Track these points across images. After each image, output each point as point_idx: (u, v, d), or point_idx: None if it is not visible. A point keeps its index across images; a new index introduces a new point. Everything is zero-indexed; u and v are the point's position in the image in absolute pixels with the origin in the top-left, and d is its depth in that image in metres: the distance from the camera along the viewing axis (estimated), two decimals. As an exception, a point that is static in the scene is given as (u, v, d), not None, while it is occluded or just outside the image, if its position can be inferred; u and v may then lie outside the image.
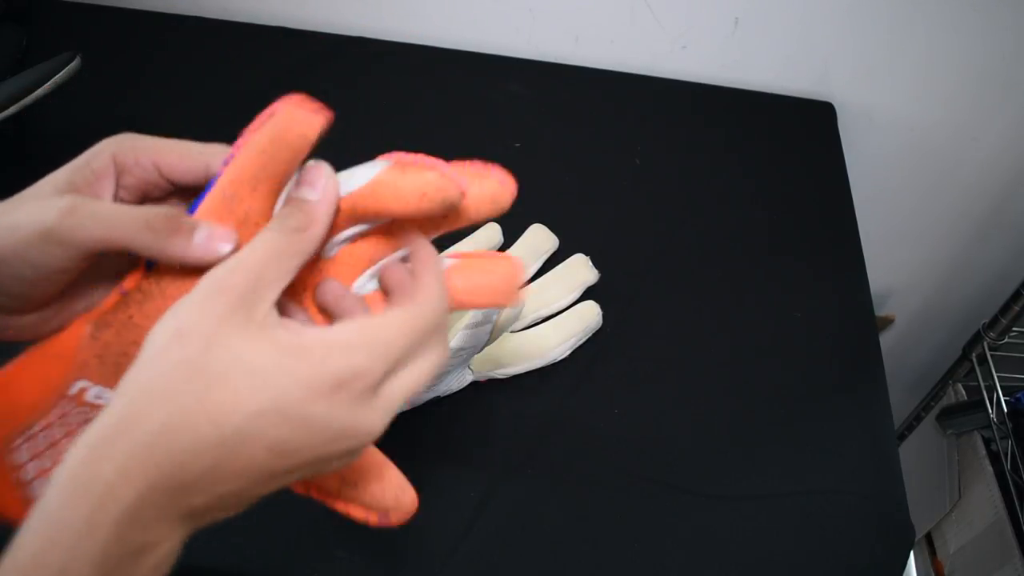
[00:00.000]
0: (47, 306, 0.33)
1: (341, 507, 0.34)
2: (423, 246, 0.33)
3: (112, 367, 0.33)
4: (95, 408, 0.32)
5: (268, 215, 0.32)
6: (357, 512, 0.34)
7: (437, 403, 0.61)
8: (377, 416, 0.28)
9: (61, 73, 0.68)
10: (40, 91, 0.67)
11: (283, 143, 0.30)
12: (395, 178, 0.30)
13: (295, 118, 0.31)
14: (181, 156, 0.32)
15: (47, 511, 0.24)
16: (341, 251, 0.34)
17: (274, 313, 0.27)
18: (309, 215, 0.30)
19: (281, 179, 0.31)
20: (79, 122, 0.78)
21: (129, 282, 0.32)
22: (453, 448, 0.60)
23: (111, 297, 0.32)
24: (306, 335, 0.27)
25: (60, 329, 0.33)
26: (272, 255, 0.28)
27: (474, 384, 0.62)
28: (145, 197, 0.33)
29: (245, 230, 0.31)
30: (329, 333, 0.27)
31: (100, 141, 0.33)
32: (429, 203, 0.30)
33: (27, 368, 0.33)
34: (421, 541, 0.55)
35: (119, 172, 0.32)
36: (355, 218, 0.32)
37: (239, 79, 0.85)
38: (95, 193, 0.32)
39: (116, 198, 0.32)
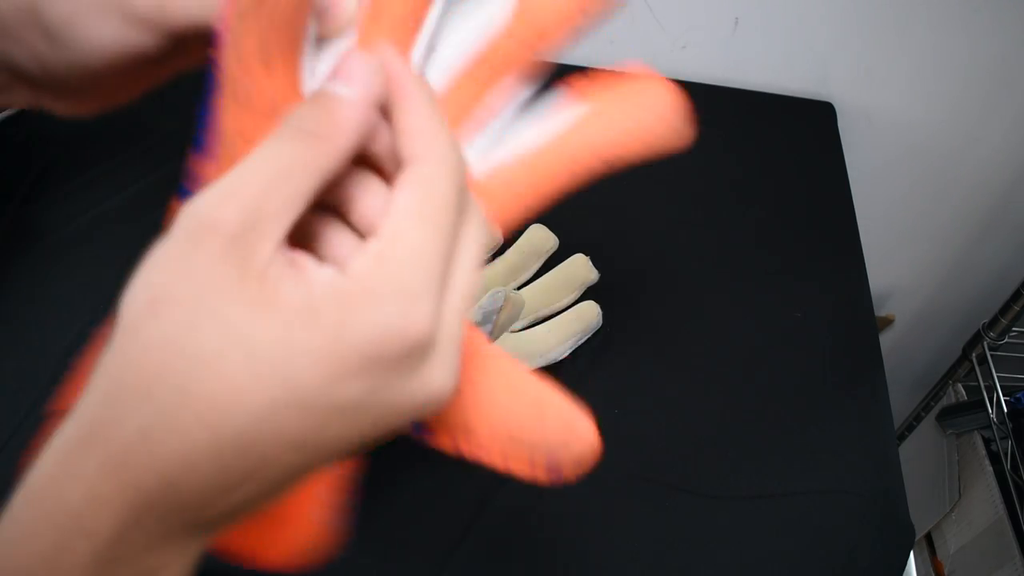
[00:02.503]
0: (102, 90, 0.27)
1: (468, 451, 0.26)
2: (400, 75, 0.22)
3: None
4: None
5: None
6: (504, 463, 0.26)
7: (437, 403, 0.61)
8: (438, 370, 0.20)
9: (61, 73, 0.68)
10: (40, 91, 0.67)
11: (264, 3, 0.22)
12: None
13: None
14: None
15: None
16: None
17: (279, 256, 0.20)
18: (334, 116, 0.20)
19: (295, 49, 0.24)
20: (80, 122, 0.78)
21: None
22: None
23: None
24: (317, 288, 0.19)
25: (122, 101, 0.28)
26: (277, 174, 0.19)
27: (474, 384, 0.62)
28: None
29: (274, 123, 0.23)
30: (341, 279, 0.19)
31: None
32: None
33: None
34: (421, 541, 0.55)
35: None
36: (495, 70, 0.25)
37: (239, 79, 0.85)
38: None
39: None
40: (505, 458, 0.26)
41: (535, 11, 0.25)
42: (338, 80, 0.21)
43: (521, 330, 0.65)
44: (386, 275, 0.19)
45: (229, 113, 0.24)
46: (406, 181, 0.21)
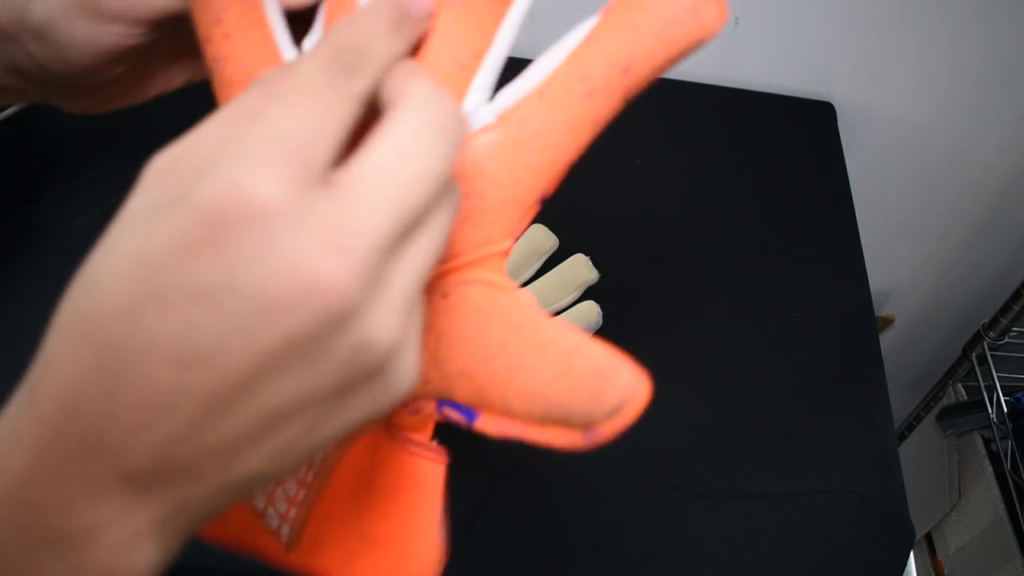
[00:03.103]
0: (109, 88, 0.28)
1: (512, 432, 0.24)
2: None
3: None
4: None
5: (273, 55, 0.24)
6: (543, 437, 0.23)
7: (437, 403, 0.61)
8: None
9: (61, 73, 0.68)
10: (40, 91, 0.67)
11: None
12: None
13: None
14: None
15: None
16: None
17: None
18: (361, 42, 0.19)
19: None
20: (79, 122, 0.78)
21: None
22: (453, 448, 0.60)
23: None
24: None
25: (147, 96, 0.29)
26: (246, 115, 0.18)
27: (474, 384, 0.62)
28: None
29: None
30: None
31: None
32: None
33: None
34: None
35: None
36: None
37: (239, 79, 0.85)
38: None
39: None
40: (542, 429, 0.23)
41: None
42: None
43: (521, 330, 0.65)
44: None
45: (216, 88, 0.24)
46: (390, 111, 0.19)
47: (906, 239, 1.08)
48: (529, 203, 0.24)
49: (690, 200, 0.80)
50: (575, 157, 0.24)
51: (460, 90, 0.23)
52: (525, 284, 0.69)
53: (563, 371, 0.22)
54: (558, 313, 0.66)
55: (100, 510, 0.18)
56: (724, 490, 0.59)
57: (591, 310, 0.66)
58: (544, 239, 0.71)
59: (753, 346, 0.69)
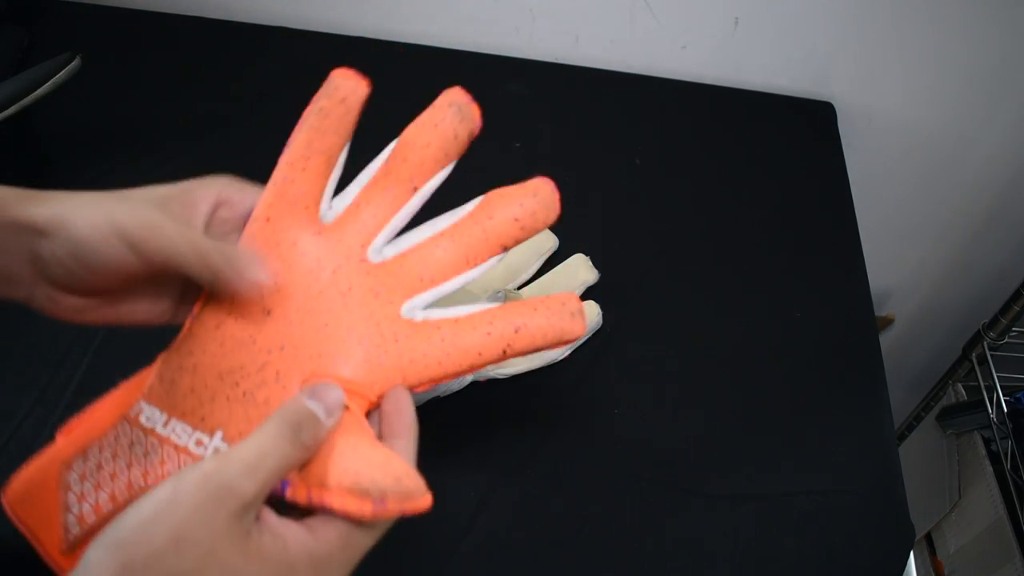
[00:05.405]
0: (98, 295, 0.35)
1: (317, 498, 0.31)
2: (398, 398, 0.35)
3: (167, 385, 0.34)
4: (145, 432, 0.33)
5: (318, 197, 0.36)
6: (341, 502, 0.31)
7: (437, 403, 0.61)
8: None
9: (61, 73, 0.68)
10: (40, 91, 0.68)
11: (328, 115, 0.35)
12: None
13: (337, 88, 0.35)
14: None
15: None
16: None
17: (258, 516, 0.29)
18: (317, 436, 0.31)
19: (331, 152, 0.36)
20: (79, 122, 0.78)
21: (196, 308, 0.35)
22: (453, 448, 0.60)
23: (186, 323, 0.35)
24: (291, 549, 0.29)
25: (107, 321, 0.36)
26: (280, 464, 0.29)
27: (474, 384, 0.62)
28: (235, 230, 0.37)
29: (294, 212, 0.35)
30: (313, 545, 0.29)
31: (207, 177, 0.36)
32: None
33: (112, 395, 0.34)
34: (421, 541, 0.55)
35: (219, 204, 0.36)
36: None
37: (239, 79, 0.85)
38: (187, 215, 0.35)
39: (207, 226, 0.35)
40: (343, 502, 0.31)
41: (409, 147, 0.36)
42: (323, 405, 0.31)
43: (521, 330, 0.65)
44: (349, 551, 0.31)
45: (267, 195, 0.35)
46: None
47: (906, 239, 1.08)
48: (396, 381, 0.35)
49: (690, 200, 0.80)
50: (450, 374, 0.36)
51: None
52: (525, 284, 0.69)
53: (383, 460, 0.32)
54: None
55: None
56: (724, 490, 0.59)
57: (591, 310, 0.66)
58: (544, 239, 0.71)
59: (753, 346, 0.69)
